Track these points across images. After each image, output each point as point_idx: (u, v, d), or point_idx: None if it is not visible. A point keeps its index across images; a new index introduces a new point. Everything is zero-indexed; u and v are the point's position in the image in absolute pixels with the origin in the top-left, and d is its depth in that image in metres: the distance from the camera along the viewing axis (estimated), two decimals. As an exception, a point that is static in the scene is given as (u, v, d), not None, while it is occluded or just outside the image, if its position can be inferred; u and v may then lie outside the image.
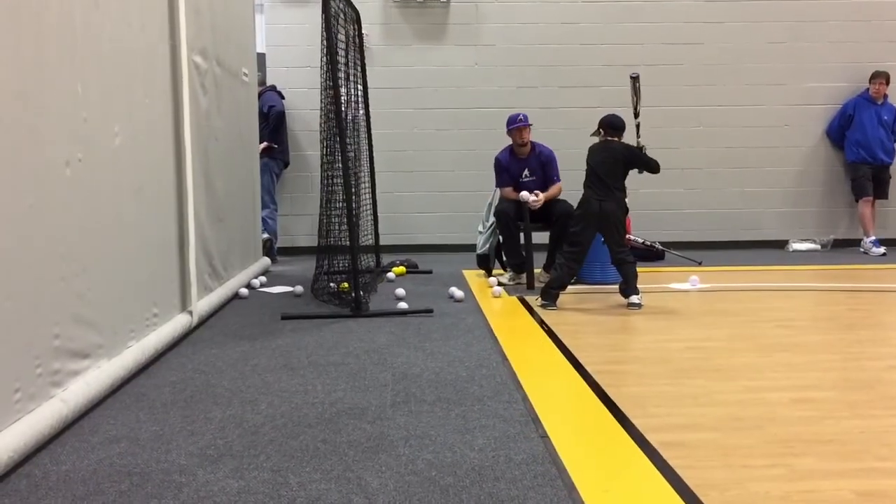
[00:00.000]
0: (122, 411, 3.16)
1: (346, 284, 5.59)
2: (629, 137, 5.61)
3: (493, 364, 3.85)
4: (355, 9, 6.65)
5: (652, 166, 5.54)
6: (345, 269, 5.76)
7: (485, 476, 2.46)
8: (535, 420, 2.99)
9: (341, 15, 5.79)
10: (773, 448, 2.71)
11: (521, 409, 3.13)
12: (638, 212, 8.27)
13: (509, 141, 6.80)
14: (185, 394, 3.40)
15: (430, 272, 7.12)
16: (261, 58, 8.19)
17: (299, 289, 6.03)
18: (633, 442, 2.76)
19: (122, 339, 3.62)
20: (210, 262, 5.21)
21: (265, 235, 7.56)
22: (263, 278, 6.61)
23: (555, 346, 4.24)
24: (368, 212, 6.97)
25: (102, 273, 3.40)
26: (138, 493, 2.36)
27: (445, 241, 8.66)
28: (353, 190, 5.48)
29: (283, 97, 8.22)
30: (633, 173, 5.59)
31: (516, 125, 6.39)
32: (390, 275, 6.81)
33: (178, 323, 4.32)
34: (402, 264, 7.12)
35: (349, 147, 5.55)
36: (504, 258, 6.54)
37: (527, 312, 5.22)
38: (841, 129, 8.75)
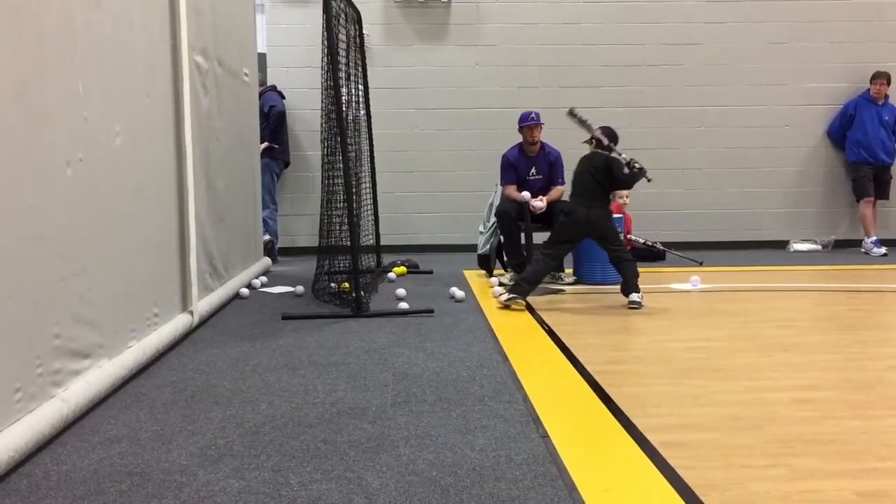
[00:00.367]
0: (123, 411, 3.16)
1: (346, 284, 5.59)
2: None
3: (494, 364, 3.85)
4: (356, 9, 6.65)
5: (627, 184, 5.69)
6: (345, 270, 5.76)
7: (485, 476, 2.46)
8: (536, 420, 2.99)
9: (342, 15, 5.79)
10: (774, 448, 2.71)
11: (521, 409, 3.14)
12: (639, 212, 8.29)
13: (511, 141, 6.82)
14: (185, 394, 3.40)
15: (430, 272, 7.12)
16: (261, 58, 8.19)
17: (300, 289, 6.03)
18: (633, 442, 2.76)
19: (123, 338, 3.62)
20: (211, 261, 5.21)
21: (266, 236, 7.56)
22: (264, 278, 6.61)
23: (555, 346, 4.24)
24: (369, 212, 6.97)
25: (103, 273, 3.40)
26: (139, 493, 2.36)
27: (446, 242, 8.66)
28: (354, 190, 5.48)
29: (283, 97, 8.22)
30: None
31: (527, 123, 6.42)
32: (391, 275, 6.81)
33: (178, 323, 4.32)
34: (402, 264, 7.12)
35: (350, 147, 5.55)
36: (505, 258, 6.54)
37: (527, 312, 5.22)
38: (842, 130, 8.75)
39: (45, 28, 2.93)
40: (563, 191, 6.42)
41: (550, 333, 4.57)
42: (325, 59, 5.31)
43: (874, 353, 4.12)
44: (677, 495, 2.31)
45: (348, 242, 5.41)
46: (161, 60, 4.24)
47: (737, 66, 8.74)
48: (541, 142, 6.51)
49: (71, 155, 3.11)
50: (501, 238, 6.46)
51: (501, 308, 5.30)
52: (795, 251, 8.63)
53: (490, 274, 6.66)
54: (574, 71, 8.66)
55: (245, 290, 5.91)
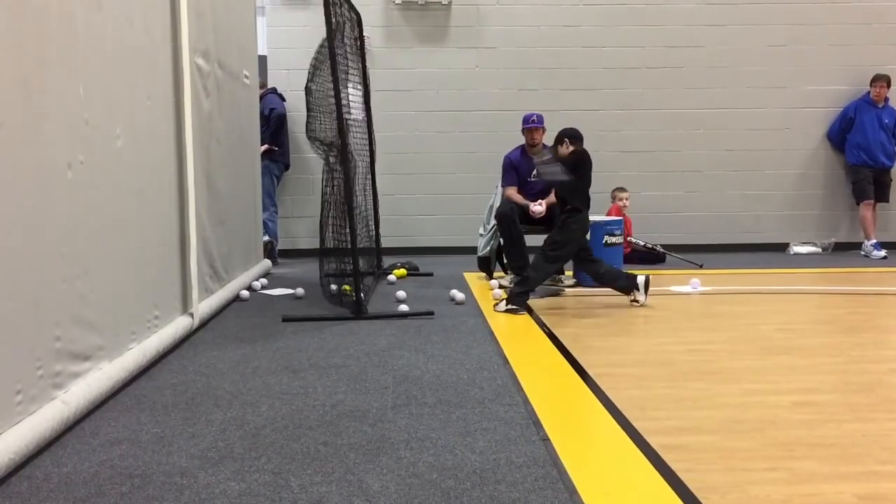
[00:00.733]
0: (124, 413, 3.16)
1: (347, 287, 5.59)
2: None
3: (494, 366, 3.85)
4: (357, 11, 6.66)
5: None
6: (346, 272, 5.75)
7: (486, 479, 2.46)
8: (536, 423, 2.99)
9: (346, 24, 5.78)
10: (774, 451, 2.71)
11: (522, 411, 3.14)
12: (639, 214, 8.30)
13: (511, 143, 6.83)
14: (186, 396, 3.40)
15: (430, 275, 7.12)
16: (262, 60, 8.20)
17: (300, 291, 6.04)
18: (633, 445, 2.76)
19: (124, 340, 3.62)
20: (211, 263, 5.21)
21: (266, 238, 7.57)
22: (264, 280, 6.61)
23: (556, 349, 4.24)
24: (369, 214, 6.97)
25: (104, 274, 3.40)
26: (139, 496, 2.36)
27: (446, 244, 8.66)
28: (354, 191, 5.47)
29: (284, 100, 8.23)
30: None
31: (528, 126, 6.42)
32: (391, 277, 6.81)
33: (179, 325, 4.32)
34: (402, 266, 7.12)
35: (350, 148, 5.55)
36: (505, 261, 6.54)
37: (527, 315, 5.22)
38: (842, 132, 8.76)
39: (46, 30, 2.94)
40: None
41: (551, 336, 4.57)
42: (314, 63, 5.31)
43: (874, 356, 4.12)
44: (677, 498, 2.31)
45: (348, 244, 5.40)
46: (162, 62, 4.24)
47: (737, 68, 8.75)
48: (542, 144, 6.51)
49: (72, 157, 3.11)
50: (501, 240, 6.46)
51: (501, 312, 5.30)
52: (795, 254, 8.63)
53: (490, 276, 6.67)
54: (574, 73, 8.66)
55: (245, 293, 5.91)
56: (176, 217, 4.46)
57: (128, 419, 3.09)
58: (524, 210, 6.26)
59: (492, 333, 4.62)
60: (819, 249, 8.70)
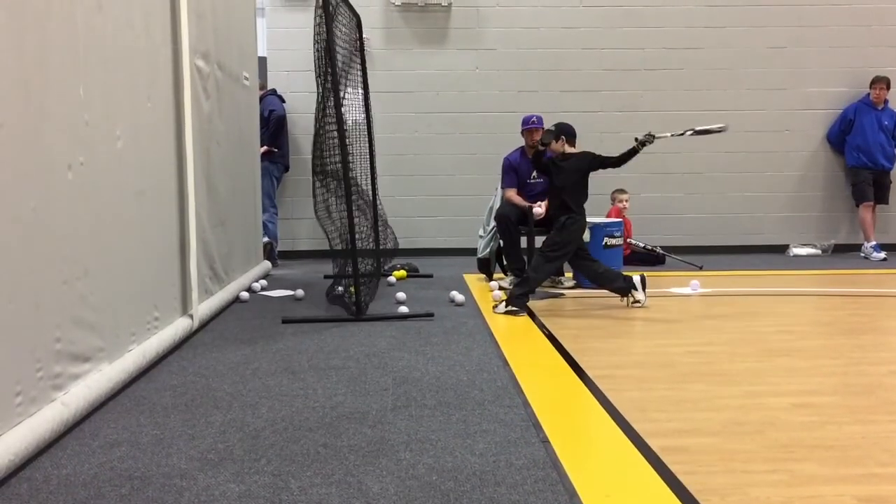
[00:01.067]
0: (123, 415, 3.16)
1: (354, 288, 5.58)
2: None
3: (494, 368, 3.84)
4: (356, 13, 6.66)
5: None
6: (346, 274, 5.75)
7: (486, 481, 2.45)
8: (536, 425, 2.99)
9: (342, 22, 5.79)
10: (775, 453, 2.71)
11: (521, 413, 3.13)
12: (639, 216, 8.30)
13: (511, 145, 6.83)
14: (185, 398, 3.39)
15: (430, 276, 7.12)
16: (262, 61, 8.20)
17: (300, 292, 6.04)
18: (633, 447, 2.76)
19: (123, 342, 3.62)
20: (211, 265, 5.21)
21: (265, 239, 7.57)
22: (264, 282, 6.61)
23: (555, 351, 4.24)
24: (369, 215, 6.97)
25: (104, 276, 3.40)
26: (139, 497, 2.36)
27: (446, 245, 8.66)
28: (353, 191, 5.47)
29: (283, 101, 8.23)
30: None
31: (528, 127, 6.42)
32: (391, 279, 6.81)
33: (178, 326, 4.32)
34: (402, 268, 7.12)
35: (349, 150, 5.54)
36: (505, 262, 6.54)
37: (527, 316, 5.22)
38: (841, 134, 8.76)
39: (47, 31, 2.94)
40: None
41: (550, 338, 4.57)
42: (322, 62, 5.30)
43: (874, 358, 4.12)
44: (678, 500, 2.31)
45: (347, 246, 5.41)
46: (162, 64, 4.24)
47: (737, 70, 8.76)
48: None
49: (72, 158, 3.11)
50: (501, 242, 6.46)
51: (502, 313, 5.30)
52: (795, 255, 8.63)
53: (490, 278, 6.67)
54: (574, 75, 8.67)
55: (245, 294, 5.91)
56: (176, 218, 4.46)
57: (127, 421, 3.09)
58: (524, 212, 6.26)
59: (492, 335, 4.62)
60: (819, 251, 8.70)
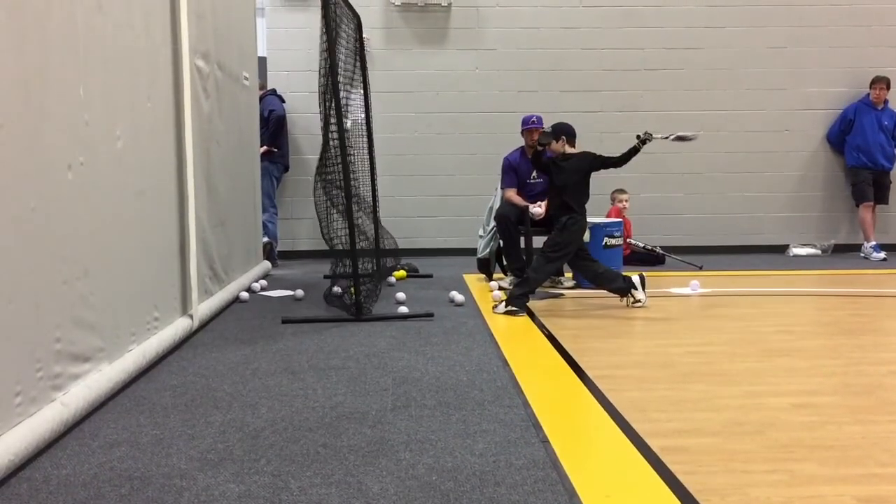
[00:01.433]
0: (123, 415, 3.16)
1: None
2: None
3: (494, 368, 3.84)
4: (356, 13, 6.66)
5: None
6: (346, 274, 5.75)
7: (485, 481, 2.45)
8: (536, 425, 2.99)
9: (343, 20, 5.79)
10: (775, 453, 2.71)
11: (521, 413, 3.13)
12: (639, 216, 8.30)
13: (511, 145, 6.83)
14: (185, 398, 3.39)
15: (430, 276, 7.12)
16: (261, 61, 8.20)
17: (300, 293, 6.03)
18: (633, 447, 2.76)
19: (123, 342, 3.62)
20: (211, 265, 5.21)
21: (265, 239, 7.57)
22: (264, 282, 6.61)
23: (555, 351, 4.24)
24: (369, 215, 6.97)
25: (104, 276, 3.40)
26: (139, 497, 2.36)
27: (446, 245, 8.66)
28: (354, 192, 5.47)
29: (283, 101, 8.23)
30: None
31: (528, 127, 6.42)
32: (391, 279, 6.81)
33: (178, 326, 4.32)
34: (402, 268, 7.12)
35: (349, 151, 5.54)
36: (505, 262, 6.54)
37: (527, 317, 5.22)
38: (841, 134, 8.76)
39: (47, 32, 2.94)
40: None
41: (550, 338, 4.57)
42: (324, 62, 5.31)
43: (874, 358, 4.12)
44: (678, 500, 2.31)
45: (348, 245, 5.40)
46: (162, 64, 4.24)
47: (737, 70, 8.76)
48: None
49: (72, 158, 3.11)
50: (501, 242, 6.46)
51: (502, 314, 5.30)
52: (795, 255, 8.63)
53: (490, 278, 6.67)
54: (574, 75, 8.67)
55: (245, 294, 5.91)
56: (176, 218, 4.46)
57: (127, 421, 3.08)
58: (523, 212, 6.26)
59: (491, 335, 4.62)
60: (819, 251, 8.70)
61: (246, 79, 6.46)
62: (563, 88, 8.65)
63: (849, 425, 3.01)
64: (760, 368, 3.88)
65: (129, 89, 3.74)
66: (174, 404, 3.30)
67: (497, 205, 6.57)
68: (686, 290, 6.23)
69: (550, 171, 5.67)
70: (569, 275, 6.61)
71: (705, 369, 3.86)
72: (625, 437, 2.86)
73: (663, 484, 2.43)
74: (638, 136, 5.40)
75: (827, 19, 8.73)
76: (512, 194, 6.47)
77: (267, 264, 7.29)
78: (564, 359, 4.06)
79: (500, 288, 6.04)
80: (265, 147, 7.70)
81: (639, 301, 5.49)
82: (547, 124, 6.51)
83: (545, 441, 2.81)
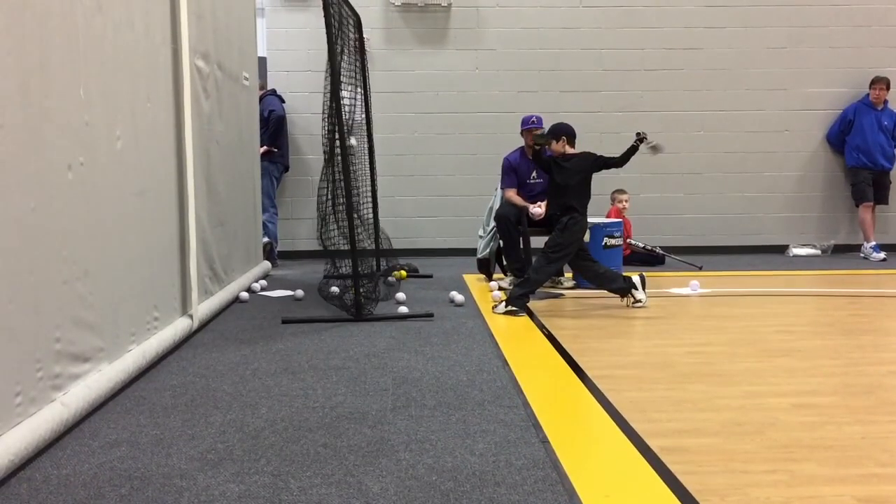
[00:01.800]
0: (123, 415, 3.16)
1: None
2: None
3: (494, 368, 3.85)
4: (356, 13, 6.66)
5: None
6: (346, 274, 5.76)
7: (485, 481, 2.46)
8: (536, 425, 2.99)
9: (346, 22, 5.78)
10: (774, 453, 2.71)
11: (521, 413, 3.13)
12: (638, 216, 8.30)
13: (511, 145, 6.83)
14: (185, 398, 3.40)
15: (430, 276, 7.12)
16: (261, 62, 8.20)
17: (300, 293, 6.03)
18: (633, 447, 2.76)
19: (123, 342, 3.62)
20: (211, 265, 5.21)
21: (265, 239, 7.57)
22: (264, 282, 6.61)
23: (555, 351, 4.24)
24: (369, 215, 6.97)
25: (104, 276, 3.40)
26: (139, 497, 2.36)
27: (446, 246, 8.66)
28: (354, 192, 5.47)
29: (283, 101, 8.22)
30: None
31: (528, 127, 6.42)
32: (391, 279, 6.81)
33: (178, 327, 4.32)
34: (402, 268, 7.12)
35: (351, 152, 5.54)
36: (504, 262, 6.54)
37: (527, 317, 5.22)
38: (841, 135, 8.76)
39: (47, 32, 2.94)
40: None
41: (550, 338, 4.57)
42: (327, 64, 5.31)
43: (874, 359, 4.12)
44: (677, 501, 2.31)
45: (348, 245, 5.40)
46: (162, 64, 4.24)
47: (737, 70, 8.76)
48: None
49: (72, 158, 3.11)
50: (501, 242, 6.46)
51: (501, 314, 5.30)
52: (795, 256, 8.63)
53: (490, 278, 6.67)
54: (574, 76, 8.67)
55: (245, 294, 5.91)
56: (175, 218, 4.46)
57: (127, 421, 3.09)
58: (523, 212, 6.27)
59: (491, 335, 4.62)
60: (818, 251, 8.70)
61: (246, 79, 6.46)
62: (563, 88, 8.65)
63: (848, 425, 3.01)
64: (760, 368, 3.89)
65: (129, 89, 3.74)
66: (174, 404, 3.30)
67: (497, 205, 6.57)
68: (686, 291, 6.23)
69: (551, 170, 5.67)
70: (568, 275, 6.61)
71: (705, 369, 3.87)
72: (625, 437, 2.86)
73: (663, 484, 2.43)
74: (638, 134, 5.40)
75: (827, 19, 8.73)
76: (512, 194, 6.47)
77: (267, 264, 7.29)
78: (564, 359, 4.06)
79: (500, 288, 6.04)
80: (265, 147, 7.69)
81: (639, 301, 5.50)
82: (547, 124, 6.52)
83: (545, 441, 2.81)
